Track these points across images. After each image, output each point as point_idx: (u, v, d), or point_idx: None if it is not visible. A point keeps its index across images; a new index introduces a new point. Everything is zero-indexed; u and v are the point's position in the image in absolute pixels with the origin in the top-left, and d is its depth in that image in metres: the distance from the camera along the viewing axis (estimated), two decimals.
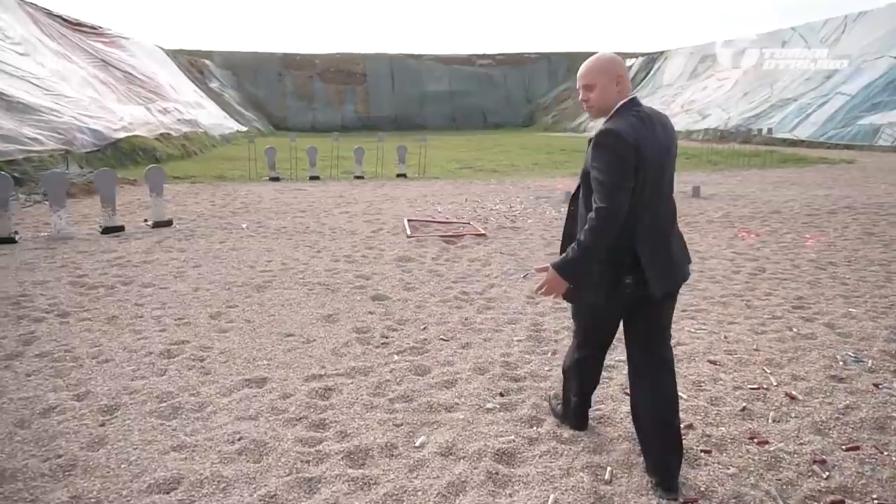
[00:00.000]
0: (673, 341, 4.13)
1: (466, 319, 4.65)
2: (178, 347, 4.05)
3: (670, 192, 2.47)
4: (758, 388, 3.40)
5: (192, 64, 46.06)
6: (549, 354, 3.93)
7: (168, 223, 8.58)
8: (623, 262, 2.37)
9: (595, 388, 2.93)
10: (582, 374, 2.83)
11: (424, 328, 4.46)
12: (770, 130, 23.28)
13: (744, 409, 3.15)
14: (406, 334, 4.34)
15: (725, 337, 4.21)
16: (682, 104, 36.57)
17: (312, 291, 5.39)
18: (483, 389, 3.42)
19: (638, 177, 2.29)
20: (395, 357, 3.92)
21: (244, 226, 8.61)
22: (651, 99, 41.71)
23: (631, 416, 2.65)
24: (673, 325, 4.44)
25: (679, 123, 33.52)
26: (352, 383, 3.52)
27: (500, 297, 5.25)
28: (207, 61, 51.22)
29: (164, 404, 3.22)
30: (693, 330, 4.36)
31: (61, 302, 5.03)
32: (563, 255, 2.38)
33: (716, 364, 3.75)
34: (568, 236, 2.56)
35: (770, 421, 3.05)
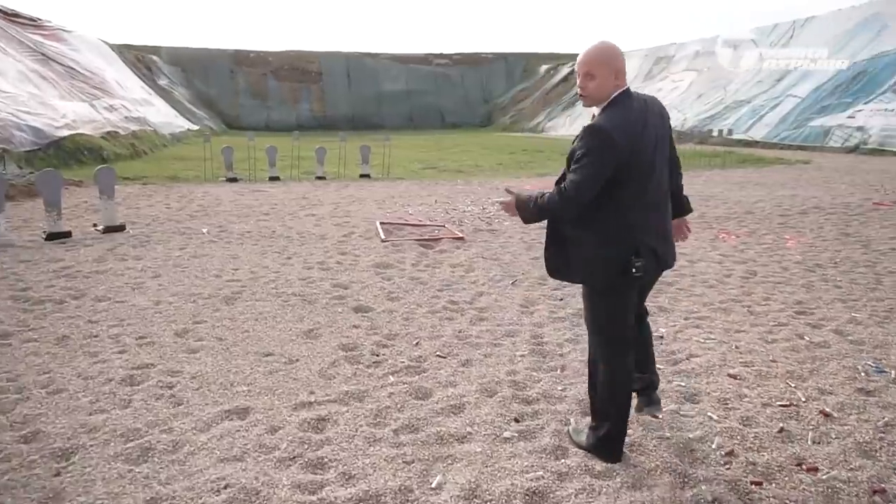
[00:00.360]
0: (685, 353, 3.92)
1: (460, 332, 4.31)
2: (143, 373, 3.57)
3: (664, 179, 2.56)
4: (788, 406, 3.17)
5: (139, 60, 44.24)
6: (557, 371, 3.63)
7: (120, 228, 7.94)
8: (631, 247, 2.44)
9: (630, 404, 2.73)
10: (618, 392, 2.65)
11: (417, 343, 4.09)
12: (731, 132, 23.70)
13: (781, 430, 2.91)
14: (398, 351, 3.97)
15: (737, 347, 4.00)
16: None
17: (287, 303, 4.95)
18: (495, 415, 3.08)
19: (628, 168, 2.39)
20: (391, 378, 3.54)
21: (205, 230, 8.04)
22: None
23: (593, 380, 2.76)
24: (680, 335, 4.24)
25: None
26: (347, 411, 3.13)
27: (491, 306, 4.93)
28: (155, 57, 49.33)
29: (132, 444, 2.77)
30: (702, 340, 4.13)
31: (1, 321, 4.46)
32: (530, 197, 2.57)
33: (736, 378, 3.51)
34: (554, 241, 2.64)
35: (811, 442, 2.82)
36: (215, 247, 7.08)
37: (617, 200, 2.43)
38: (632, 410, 2.76)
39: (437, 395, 3.32)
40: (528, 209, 2.58)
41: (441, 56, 66.05)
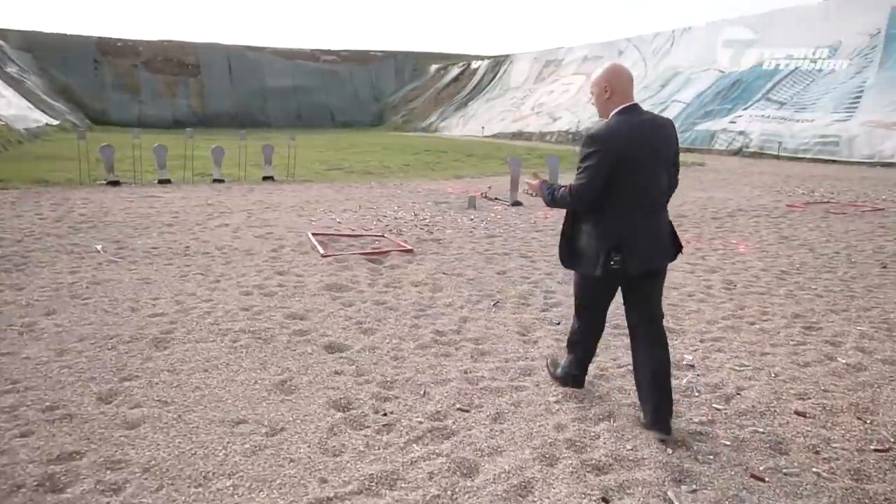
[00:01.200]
0: (731, 386, 3.47)
1: (468, 373, 3.61)
2: (67, 470, 2.54)
3: (657, 186, 2.87)
4: (886, 450, 2.79)
5: None
6: (609, 421, 3.04)
7: None
8: (612, 243, 2.81)
9: (591, 359, 3.37)
10: (584, 348, 3.29)
11: (424, 393, 3.34)
12: None
13: None
14: (406, 405, 3.19)
15: (776, 375, 3.63)
16: (532, 106, 37.94)
17: (238, 343, 3.99)
18: (577, 495, 2.42)
19: (626, 172, 2.76)
20: (416, 448, 2.78)
21: (98, 247, 6.68)
22: (502, 100, 42.94)
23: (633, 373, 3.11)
24: (710, 363, 3.81)
25: (532, 125, 34.75)
26: None
27: (485, 335, 4.26)
28: (1, 41, 43.51)
29: None
30: (737, 368, 3.72)
31: None
32: (552, 186, 3.03)
33: (805, 416, 3.11)
34: (564, 234, 3.08)
35: None
36: (119, 269, 5.82)
37: (609, 201, 2.81)
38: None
39: (487, 470, 2.60)
40: (547, 195, 3.02)
41: (328, 52, 64.17)
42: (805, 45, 24.34)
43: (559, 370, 3.42)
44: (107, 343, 3.93)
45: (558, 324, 4.50)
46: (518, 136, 34.31)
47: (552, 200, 2.98)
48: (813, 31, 24.50)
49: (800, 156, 19.62)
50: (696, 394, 3.36)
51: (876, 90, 20.11)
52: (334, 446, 2.78)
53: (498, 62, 50.46)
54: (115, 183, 12.37)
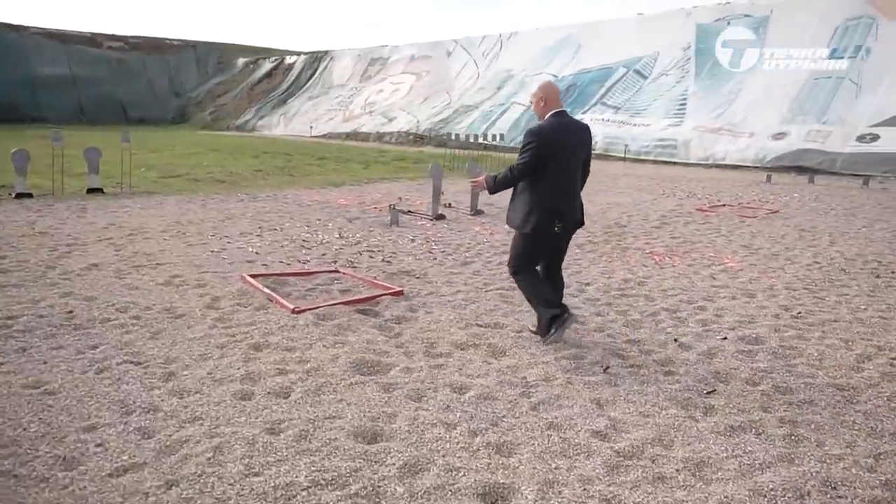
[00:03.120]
0: None
1: (613, 498, 2.36)
2: None
3: (574, 171, 4.05)
4: None
5: None
6: None
7: None
8: (553, 213, 3.93)
9: (549, 290, 4.15)
10: (536, 284, 4.15)
11: None
12: (502, 137, 23.36)
13: None
14: None
15: None
16: (363, 105, 36.48)
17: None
18: None
19: (550, 158, 3.88)
20: None
21: None
22: (327, 98, 40.76)
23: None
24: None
25: (367, 125, 33.30)
26: None
27: (605, 430, 3.01)
28: None
29: None
30: None
31: None
32: (492, 176, 4.15)
33: None
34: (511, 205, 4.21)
35: None
36: None
37: (541, 180, 3.91)
38: None
39: None
40: (492, 183, 4.09)
41: (113, 38, 55.86)
42: (626, 55, 26.36)
43: (543, 327, 4.11)
44: None
45: (709, 392, 3.41)
46: (353, 136, 32.61)
47: (496, 184, 4.06)
48: (632, 42, 26.62)
49: (642, 157, 21.04)
50: None
51: (698, 98, 22.36)
52: None
53: (316, 58, 47.88)
54: None
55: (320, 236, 7.81)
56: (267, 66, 53.07)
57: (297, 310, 4.66)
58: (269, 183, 14.04)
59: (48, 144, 12.63)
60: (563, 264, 4.34)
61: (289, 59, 52.09)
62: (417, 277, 5.94)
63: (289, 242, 7.40)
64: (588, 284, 5.83)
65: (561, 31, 30.96)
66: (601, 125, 23.53)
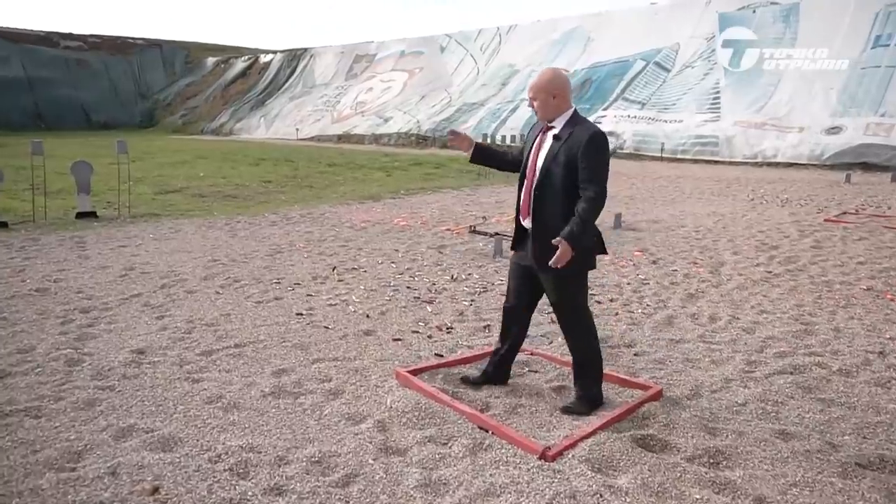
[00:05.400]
0: None
1: None
2: None
3: None
4: None
5: None
6: None
7: None
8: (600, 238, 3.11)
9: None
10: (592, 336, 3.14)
11: None
12: (522, 137, 21.99)
13: None
14: None
15: None
16: (352, 105, 34.15)
17: None
18: None
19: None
20: None
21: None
22: (310, 98, 38.26)
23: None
24: None
25: (361, 127, 31.00)
26: None
27: None
28: None
29: None
30: None
31: None
32: (571, 231, 2.78)
33: None
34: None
35: None
36: None
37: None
38: None
39: None
40: (580, 238, 2.80)
41: (70, 37, 52.22)
42: (642, 47, 24.74)
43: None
44: None
45: None
46: (346, 138, 30.25)
47: (584, 230, 2.82)
48: (647, 33, 25.01)
49: (679, 156, 19.39)
50: None
51: (731, 91, 20.81)
52: None
53: (295, 56, 45.13)
54: None
55: (425, 279, 5.78)
56: (240, 65, 50.20)
57: (549, 453, 2.65)
58: (289, 198, 11.88)
59: (13, 154, 10.28)
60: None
61: (264, 58, 49.31)
62: (628, 346, 3.98)
63: (390, 290, 5.36)
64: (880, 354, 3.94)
65: (566, 22, 29.16)
66: (629, 122, 21.83)
